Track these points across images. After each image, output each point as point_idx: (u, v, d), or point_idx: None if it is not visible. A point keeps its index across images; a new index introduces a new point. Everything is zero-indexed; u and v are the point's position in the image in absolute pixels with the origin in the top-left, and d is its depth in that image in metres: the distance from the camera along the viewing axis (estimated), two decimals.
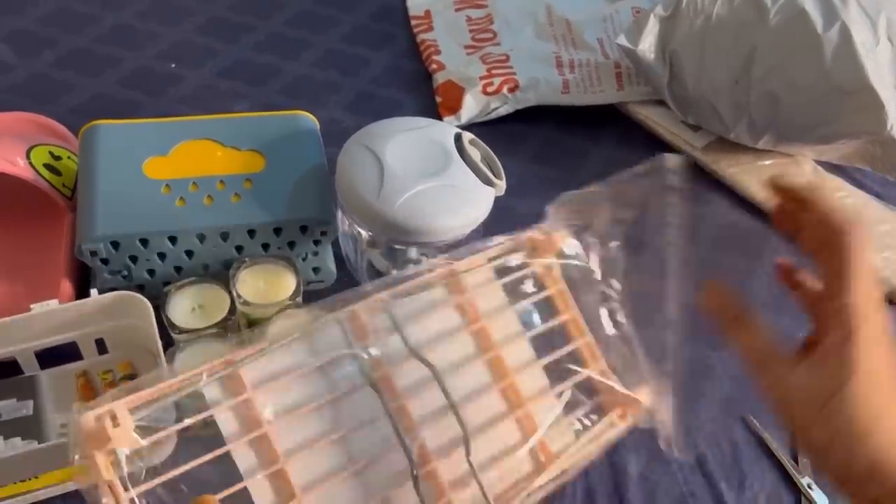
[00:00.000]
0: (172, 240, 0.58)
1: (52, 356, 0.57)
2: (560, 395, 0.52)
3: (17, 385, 0.56)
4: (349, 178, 0.59)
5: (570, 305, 0.55)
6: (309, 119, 0.67)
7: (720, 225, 0.78)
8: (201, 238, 0.58)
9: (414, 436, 0.46)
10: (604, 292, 0.55)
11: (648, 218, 0.63)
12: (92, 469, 0.36)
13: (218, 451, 0.40)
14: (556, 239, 0.54)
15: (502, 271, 0.53)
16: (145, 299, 0.55)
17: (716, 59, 0.75)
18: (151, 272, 0.60)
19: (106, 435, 0.36)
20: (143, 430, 0.38)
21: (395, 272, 0.51)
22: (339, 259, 0.67)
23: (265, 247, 0.61)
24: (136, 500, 0.37)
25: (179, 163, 0.61)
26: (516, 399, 0.51)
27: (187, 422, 0.40)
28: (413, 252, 0.61)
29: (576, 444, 0.51)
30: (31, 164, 0.62)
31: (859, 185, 0.81)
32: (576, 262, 0.55)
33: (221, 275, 0.59)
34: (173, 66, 0.84)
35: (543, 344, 0.53)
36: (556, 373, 0.53)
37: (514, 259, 0.53)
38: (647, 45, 0.78)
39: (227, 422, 0.42)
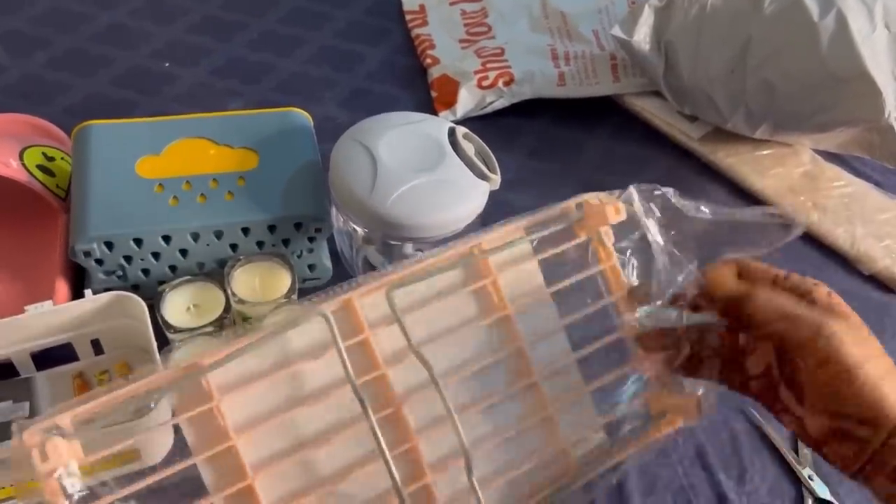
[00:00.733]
0: (166, 239, 0.58)
1: (48, 358, 0.57)
2: (594, 393, 0.45)
3: (12, 387, 0.56)
4: (342, 174, 0.58)
5: (621, 286, 0.47)
6: (302, 116, 0.67)
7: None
8: (195, 237, 0.58)
9: (408, 447, 0.42)
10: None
11: None
12: (38, 489, 0.34)
13: (180, 466, 0.38)
14: (612, 208, 0.46)
15: (541, 246, 0.46)
16: (140, 299, 0.54)
17: (711, 49, 0.74)
18: (146, 272, 0.59)
19: (49, 455, 0.34)
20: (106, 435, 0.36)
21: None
22: (335, 255, 0.67)
23: (260, 244, 0.61)
24: None
25: (172, 162, 0.61)
26: (540, 403, 0.45)
27: (130, 442, 0.38)
28: (408, 248, 0.61)
29: (607, 455, 0.45)
30: (24, 165, 0.62)
31: (858, 173, 0.80)
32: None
33: (216, 273, 0.59)
34: (167, 64, 0.84)
35: (584, 330, 0.46)
36: (596, 366, 0.46)
37: (558, 228, 0.46)
38: (642, 36, 0.78)
39: (191, 433, 0.39)
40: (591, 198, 0.47)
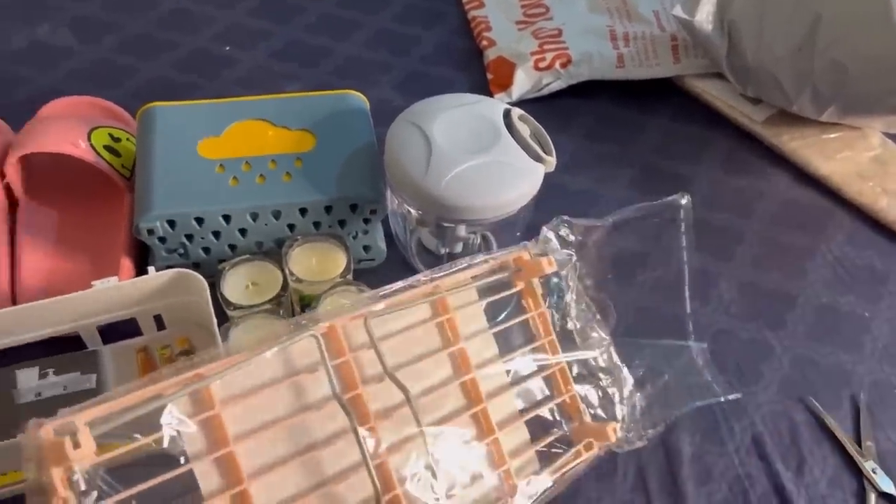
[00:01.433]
0: (226, 218, 0.59)
1: (114, 332, 0.59)
2: (528, 420, 0.52)
3: (80, 359, 0.58)
4: (396, 155, 0.59)
5: (549, 330, 0.55)
6: (358, 98, 0.68)
7: (780, 201, 0.75)
8: (254, 216, 0.59)
9: (380, 461, 0.45)
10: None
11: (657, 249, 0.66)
12: (48, 486, 0.35)
13: (179, 470, 0.39)
14: (543, 262, 0.53)
15: (485, 291, 0.53)
16: (201, 277, 0.56)
17: (777, 28, 0.72)
18: (207, 250, 0.61)
19: (63, 452, 0.35)
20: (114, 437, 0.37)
21: (417, 275, 0.51)
22: (389, 237, 0.67)
23: (316, 225, 0.61)
24: None
25: (232, 143, 0.62)
26: (487, 426, 0.51)
27: (146, 440, 0.38)
28: (462, 230, 0.61)
29: (539, 477, 0.51)
30: (92, 145, 0.64)
31: None
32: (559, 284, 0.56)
33: (274, 252, 0.60)
34: (228, 48, 0.86)
35: (521, 368, 0.54)
36: (530, 398, 0.53)
37: (499, 277, 0.53)
38: (705, 16, 0.76)
39: (192, 439, 0.40)
40: (525, 254, 0.54)
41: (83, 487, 0.35)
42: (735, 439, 0.58)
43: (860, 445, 0.58)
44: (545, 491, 0.51)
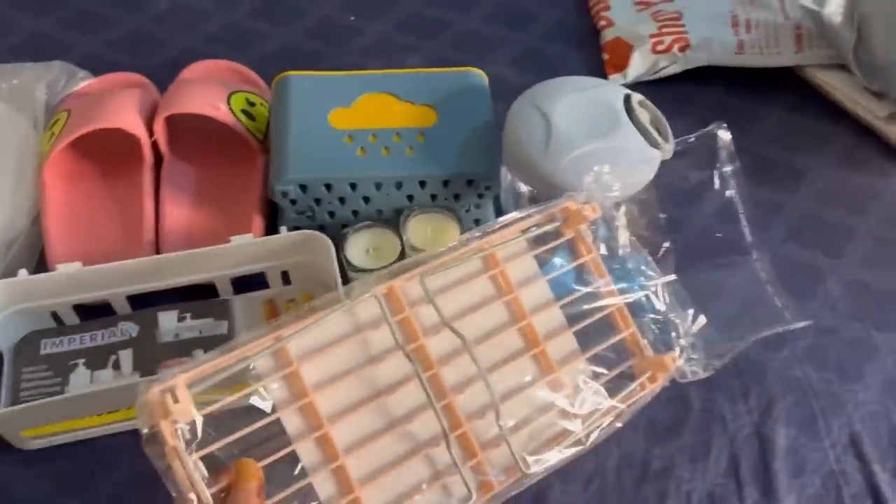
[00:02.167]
0: (353, 186, 0.63)
1: (244, 283, 0.64)
2: (590, 359, 0.55)
3: (214, 307, 0.64)
4: (517, 136, 0.61)
5: (602, 272, 0.57)
6: (479, 76, 0.70)
7: None
8: (378, 186, 0.63)
9: (447, 402, 0.50)
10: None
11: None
12: (159, 437, 0.42)
13: (269, 418, 0.45)
14: (587, 210, 0.55)
15: (535, 242, 0.56)
16: (328, 238, 0.60)
17: None
18: (332, 214, 0.65)
19: (167, 408, 0.41)
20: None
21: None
22: (499, 213, 0.70)
23: (433, 197, 0.64)
24: (198, 462, 0.42)
25: (361, 114, 0.65)
26: (547, 365, 0.54)
27: (239, 395, 0.45)
28: None
29: (604, 406, 0.53)
30: (231, 109, 0.68)
31: None
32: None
33: (392, 220, 0.64)
34: (353, 18, 0.89)
35: (576, 311, 0.56)
36: (588, 337, 0.56)
37: (547, 228, 0.56)
38: (835, 7, 0.74)
39: (276, 391, 0.46)
40: (570, 203, 0.56)
41: (186, 437, 0.42)
42: (832, 435, 0.59)
43: None
44: (612, 418, 0.53)
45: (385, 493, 0.48)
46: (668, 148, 0.61)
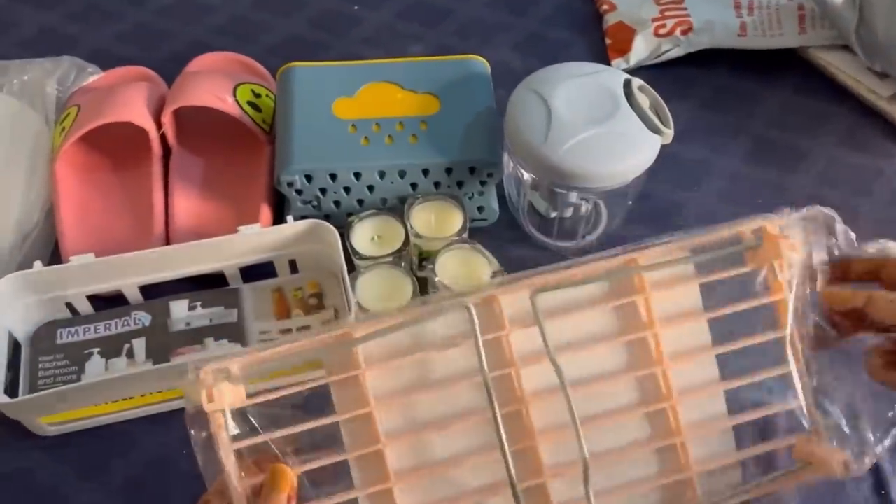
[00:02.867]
0: (357, 175, 0.64)
1: (253, 272, 0.66)
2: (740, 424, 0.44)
3: (224, 295, 0.65)
4: (517, 122, 0.62)
5: (788, 321, 0.43)
6: (481, 63, 0.71)
7: None
8: (382, 175, 0.64)
9: (526, 446, 0.42)
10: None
11: None
12: (206, 420, 0.39)
13: (325, 420, 0.41)
14: (788, 244, 0.42)
15: (704, 267, 0.44)
16: (334, 228, 0.61)
17: None
18: (337, 203, 0.66)
19: (218, 391, 0.38)
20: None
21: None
22: (502, 199, 0.71)
23: (437, 185, 0.65)
24: (243, 452, 0.39)
25: (364, 104, 0.66)
26: (671, 426, 0.44)
27: (295, 390, 0.40)
28: (573, 196, 0.64)
29: (735, 492, 0.43)
30: (237, 101, 0.70)
31: None
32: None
33: (397, 209, 0.65)
34: (356, 7, 0.89)
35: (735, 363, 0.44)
36: (741, 399, 0.44)
37: (727, 252, 0.43)
38: None
39: (337, 393, 0.42)
40: (770, 226, 0.43)
41: (232, 426, 0.39)
42: None
43: None
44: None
45: None
46: (668, 133, 0.61)
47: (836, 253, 0.43)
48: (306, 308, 0.65)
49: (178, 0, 0.91)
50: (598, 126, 0.60)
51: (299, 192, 0.65)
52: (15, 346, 0.62)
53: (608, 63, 0.83)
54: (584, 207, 0.68)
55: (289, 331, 0.63)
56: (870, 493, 0.56)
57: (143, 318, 0.64)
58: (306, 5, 0.90)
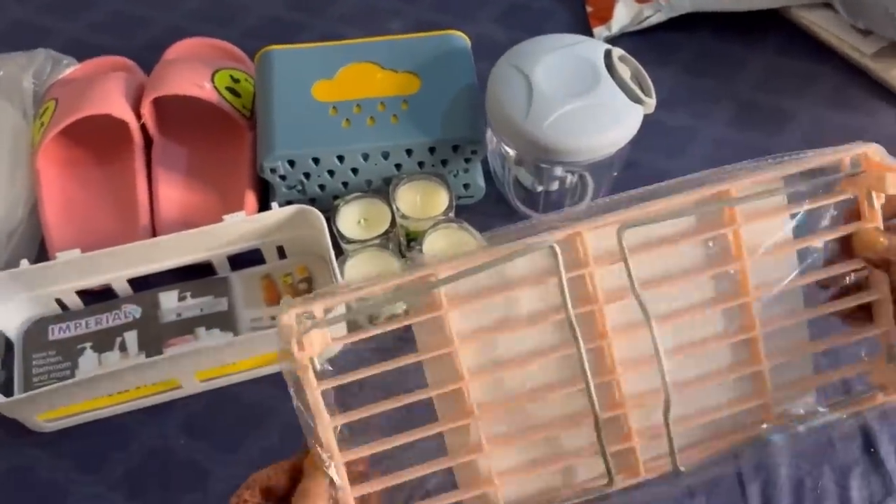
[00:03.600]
0: (340, 158, 0.63)
1: (241, 260, 0.66)
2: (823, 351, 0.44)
3: (213, 284, 0.65)
4: (498, 98, 0.61)
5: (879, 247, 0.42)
6: (461, 39, 0.70)
7: (885, 138, 0.73)
8: (365, 157, 0.64)
9: (608, 379, 0.43)
10: None
11: None
12: (291, 361, 0.39)
13: (409, 359, 0.41)
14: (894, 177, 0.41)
15: (794, 197, 0.43)
16: (319, 212, 0.61)
17: None
18: (322, 187, 0.66)
19: (301, 334, 0.38)
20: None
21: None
22: (488, 175, 0.70)
23: (420, 164, 0.65)
24: (330, 391, 0.40)
25: (344, 86, 0.66)
26: (753, 357, 0.44)
27: (379, 330, 0.41)
28: (559, 170, 0.64)
29: (811, 416, 0.43)
30: (215, 87, 0.69)
31: None
32: None
33: (382, 190, 0.65)
34: None
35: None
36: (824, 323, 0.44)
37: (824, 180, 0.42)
38: None
39: (418, 332, 0.42)
40: (872, 152, 0.41)
41: (318, 366, 0.39)
42: None
43: None
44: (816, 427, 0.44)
45: (511, 459, 0.43)
46: (651, 102, 0.61)
47: None
48: (296, 293, 0.65)
49: None
50: (580, 99, 0.60)
51: (283, 177, 0.64)
52: (7, 345, 0.62)
53: (590, 31, 0.82)
54: (570, 180, 0.68)
55: None
56: (860, 453, 0.57)
57: (133, 310, 0.64)
58: None
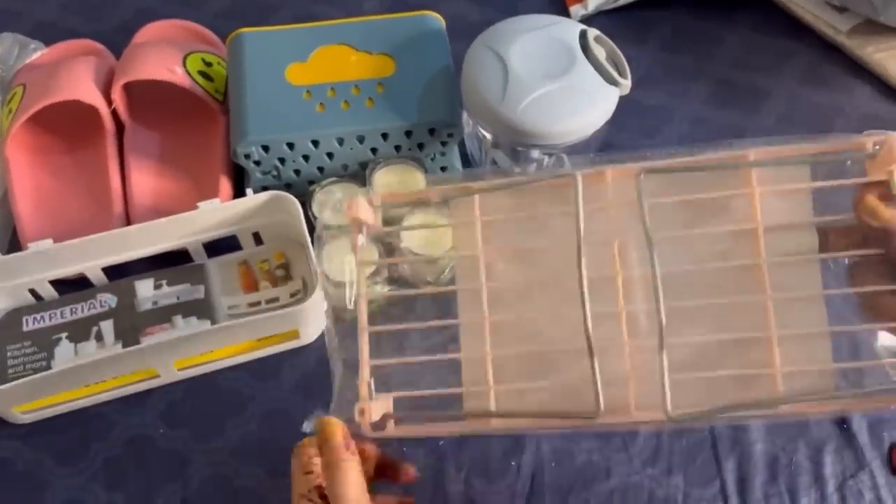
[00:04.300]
0: (315, 143, 0.63)
1: (217, 247, 0.65)
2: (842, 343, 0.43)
3: (189, 272, 0.65)
4: (473, 82, 0.61)
5: None
6: (435, 19, 0.69)
7: (860, 116, 0.74)
8: (340, 141, 0.63)
9: (616, 311, 0.44)
10: None
11: None
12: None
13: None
14: None
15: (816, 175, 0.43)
16: (294, 198, 0.61)
17: None
18: (297, 172, 0.65)
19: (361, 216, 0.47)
20: None
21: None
22: (465, 157, 0.70)
23: (397, 148, 0.65)
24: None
25: (318, 68, 0.65)
26: (760, 322, 0.43)
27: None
28: (535, 153, 0.64)
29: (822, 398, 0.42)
30: (187, 71, 0.68)
31: None
32: None
33: (359, 174, 0.64)
34: None
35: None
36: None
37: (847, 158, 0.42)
38: None
39: (455, 235, 0.49)
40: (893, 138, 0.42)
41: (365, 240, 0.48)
42: None
43: None
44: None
45: (512, 372, 0.45)
46: (626, 84, 0.61)
47: None
48: (274, 279, 0.64)
49: None
50: (555, 81, 0.59)
51: (257, 163, 0.64)
52: None
53: (566, 10, 0.81)
54: (547, 162, 0.68)
55: (258, 304, 0.63)
56: (833, 428, 0.58)
57: (108, 299, 0.63)
58: None
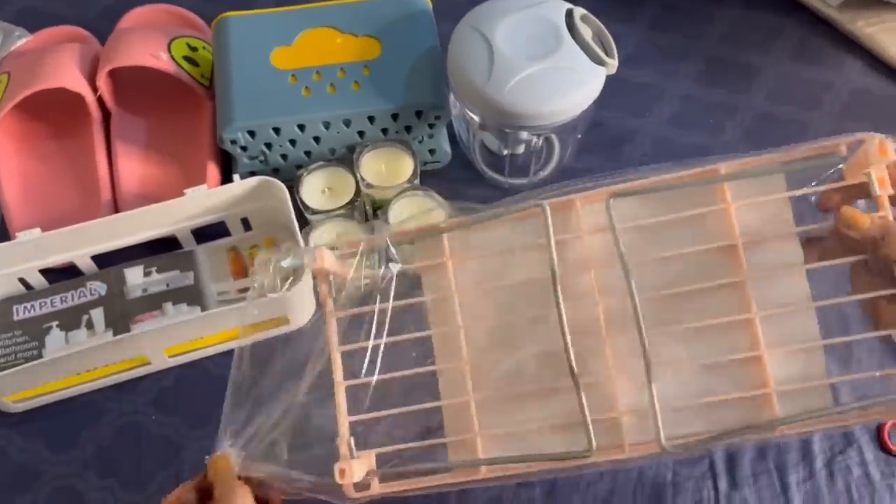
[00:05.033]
0: (301, 127, 0.62)
1: (206, 234, 0.65)
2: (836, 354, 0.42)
3: (178, 259, 0.64)
4: (459, 63, 0.60)
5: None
6: (422, 0, 0.68)
7: (850, 90, 0.74)
8: (326, 125, 0.63)
9: (598, 345, 0.43)
10: None
11: None
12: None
13: (412, 301, 0.45)
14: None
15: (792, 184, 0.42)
16: (282, 184, 0.60)
17: None
18: (284, 156, 0.65)
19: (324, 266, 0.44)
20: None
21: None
22: (453, 139, 0.70)
23: (384, 131, 0.64)
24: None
25: (303, 52, 0.64)
26: (752, 341, 0.42)
27: (397, 269, 0.45)
28: (524, 133, 0.63)
29: (809, 417, 0.40)
30: (172, 57, 0.67)
31: None
32: None
33: (347, 158, 0.64)
34: None
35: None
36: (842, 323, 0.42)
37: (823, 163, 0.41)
38: None
39: (424, 277, 0.46)
40: (870, 139, 0.40)
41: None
42: None
43: None
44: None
45: (498, 419, 0.44)
46: (613, 63, 0.60)
47: None
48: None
49: None
50: (541, 62, 0.59)
51: (244, 148, 0.63)
52: None
53: None
54: (535, 142, 0.68)
55: (247, 290, 0.63)
56: None
57: (98, 287, 0.63)
58: None
